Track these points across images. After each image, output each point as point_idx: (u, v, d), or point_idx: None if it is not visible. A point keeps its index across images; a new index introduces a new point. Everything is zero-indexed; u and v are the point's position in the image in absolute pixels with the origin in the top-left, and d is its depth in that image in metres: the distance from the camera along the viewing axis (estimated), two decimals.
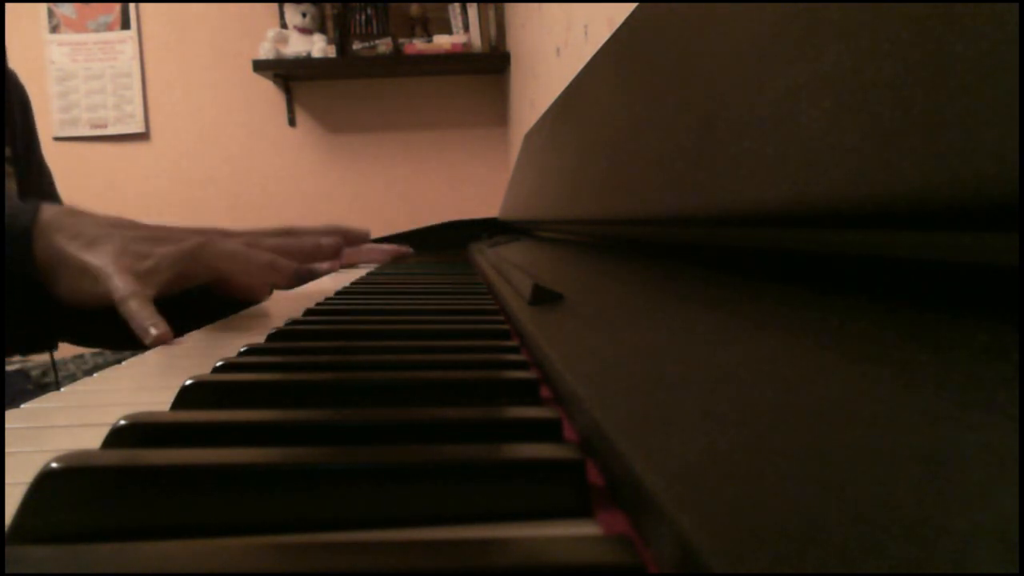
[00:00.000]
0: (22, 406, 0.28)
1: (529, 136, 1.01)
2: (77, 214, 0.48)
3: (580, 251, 0.50)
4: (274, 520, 0.16)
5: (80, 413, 0.27)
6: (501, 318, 0.43)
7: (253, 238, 0.58)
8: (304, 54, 2.27)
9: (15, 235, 0.44)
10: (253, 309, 0.59)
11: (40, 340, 0.48)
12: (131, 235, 0.49)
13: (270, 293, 0.62)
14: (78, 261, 0.45)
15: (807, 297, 0.18)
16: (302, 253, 0.60)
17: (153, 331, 0.42)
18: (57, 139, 2.34)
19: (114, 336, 0.53)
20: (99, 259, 0.46)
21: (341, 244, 0.64)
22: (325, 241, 0.62)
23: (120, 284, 0.44)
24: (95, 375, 0.34)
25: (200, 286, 0.52)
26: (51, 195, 0.79)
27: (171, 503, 0.16)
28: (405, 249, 1.06)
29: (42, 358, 1.92)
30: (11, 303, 0.44)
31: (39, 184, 0.75)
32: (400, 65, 2.33)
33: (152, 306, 0.44)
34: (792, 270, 0.21)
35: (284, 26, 2.33)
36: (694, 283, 0.26)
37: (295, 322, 0.42)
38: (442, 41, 2.29)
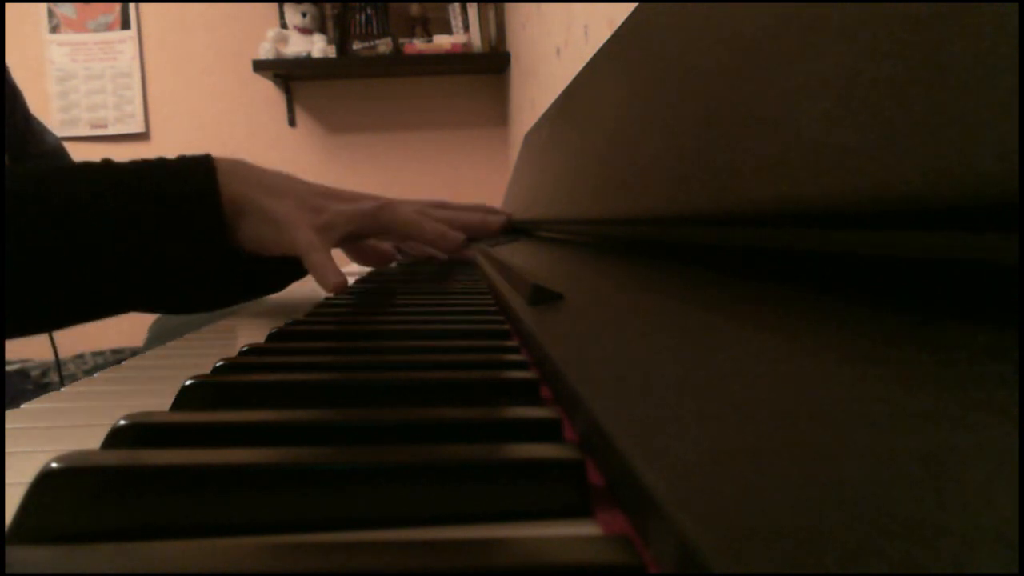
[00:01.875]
0: (22, 406, 0.28)
1: (529, 136, 1.01)
2: (249, 165, 0.50)
3: (580, 251, 0.50)
4: (274, 520, 0.16)
5: (80, 413, 0.27)
6: (501, 318, 0.43)
7: (422, 207, 0.60)
8: (304, 54, 2.27)
9: (200, 177, 0.45)
10: (254, 309, 0.59)
11: (228, 292, 0.49)
12: (308, 189, 0.51)
13: (395, 259, 0.65)
14: (262, 208, 0.47)
15: (807, 297, 0.18)
16: (469, 227, 0.62)
17: (333, 280, 0.46)
18: None
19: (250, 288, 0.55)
20: (283, 210, 0.47)
21: (505, 222, 0.66)
22: (492, 218, 0.64)
23: (304, 237, 0.47)
24: (95, 375, 0.34)
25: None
26: (62, 157, 0.79)
27: (171, 503, 0.16)
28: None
29: (42, 358, 1.92)
30: (197, 243, 0.44)
31: (39, 149, 0.75)
32: (400, 65, 2.33)
33: (331, 259, 0.47)
34: (792, 270, 0.21)
35: (284, 26, 2.33)
36: (694, 283, 0.26)
37: (295, 322, 0.42)
38: (442, 41, 2.29)
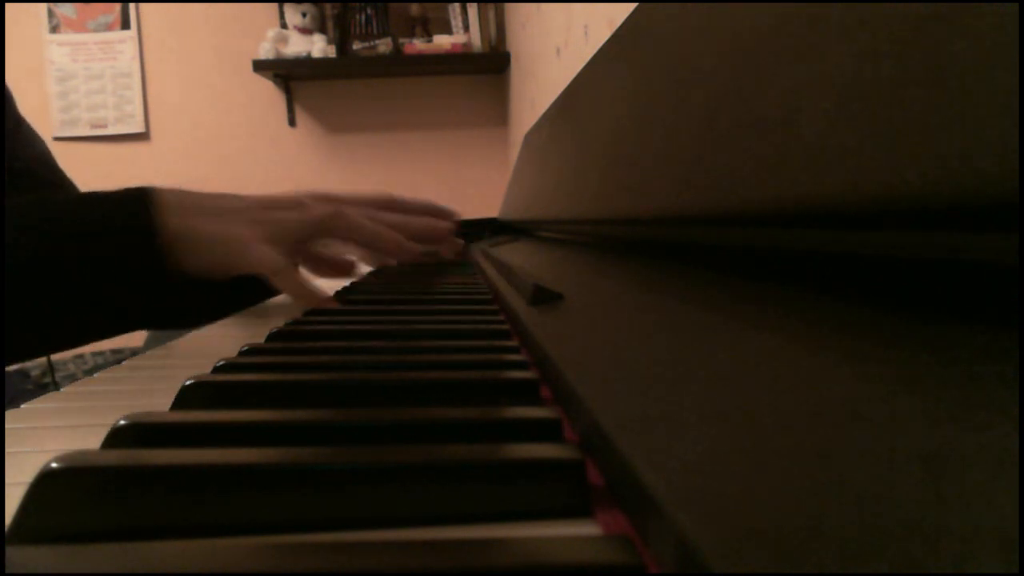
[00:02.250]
0: (22, 406, 0.28)
1: (529, 136, 1.01)
2: (186, 192, 0.49)
3: (580, 251, 0.50)
4: (274, 520, 0.16)
5: (80, 413, 0.27)
6: (501, 318, 0.43)
7: (369, 210, 0.58)
8: (304, 54, 2.27)
9: (138, 212, 0.44)
10: (254, 309, 0.59)
11: (173, 316, 0.48)
12: (249, 204, 0.50)
13: (355, 270, 0.64)
14: (208, 233, 0.46)
15: (807, 297, 0.18)
16: (418, 233, 0.60)
17: (305, 293, 0.46)
18: (57, 139, 2.34)
19: (215, 308, 0.55)
20: (231, 229, 0.47)
21: (453, 230, 0.64)
22: (441, 224, 0.62)
23: (260, 254, 0.46)
24: (95, 375, 0.34)
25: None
26: (45, 163, 0.78)
27: (171, 503, 0.16)
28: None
29: (41, 358, 1.92)
30: (139, 284, 0.44)
31: (26, 156, 0.74)
32: (400, 65, 2.33)
33: (302, 278, 0.47)
34: (792, 270, 0.21)
35: (284, 26, 2.32)
36: (694, 283, 0.26)
37: (295, 322, 0.42)
38: (442, 41, 2.29)
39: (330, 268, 0.61)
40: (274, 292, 0.60)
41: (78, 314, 0.43)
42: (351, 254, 0.63)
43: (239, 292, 0.56)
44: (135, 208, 0.45)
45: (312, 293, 0.47)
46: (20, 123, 0.75)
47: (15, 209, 0.43)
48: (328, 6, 2.31)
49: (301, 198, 0.53)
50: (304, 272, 0.61)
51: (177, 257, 0.45)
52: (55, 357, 1.98)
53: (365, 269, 0.81)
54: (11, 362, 0.43)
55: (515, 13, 2.11)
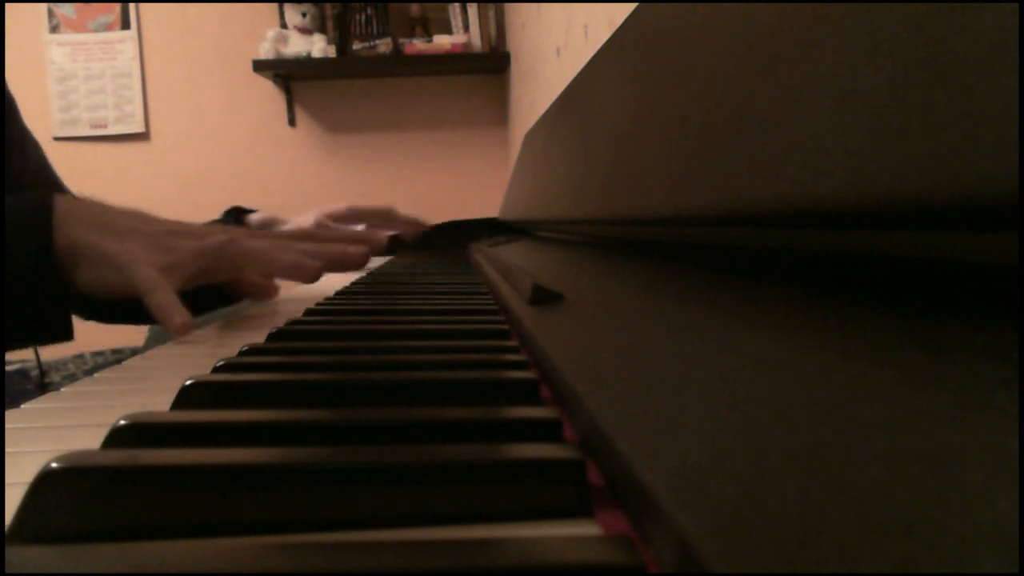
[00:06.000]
0: (22, 406, 0.28)
1: (529, 136, 1.01)
2: (94, 205, 0.48)
3: (580, 251, 0.50)
4: (274, 520, 0.16)
5: (80, 413, 0.27)
6: (501, 318, 0.43)
7: (279, 240, 0.57)
8: (304, 54, 2.27)
9: (34, 225, 0.44)
10: (254, 309, 0.59)
11: (58, 330, 0.47)
12: (153, 228, 0.49)
13: (277, 294, 0.62)
14: (101, 252, 0.45)
15: (807, 297, 0.18)
16: (329, 260, 0.58)
17: (178, 320, 0.44)
18: (57, 139, 2.34)
19: (129, 315, 0.53)
20: (123, 250, 0.45)
21: (368, 255, 0.62)
22: (353, 250, 0.60)
23: (145, 276, 0.45)
24: (95, 375, 0.34)
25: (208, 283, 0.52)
26: (42, 169, 0.78)
27: (171, 503, 0.16)
28: (419, 222, 1.04)
29: (43, 358, 1.92)
30: (28, 294, 0.43)
31: (22, 162, 0.74)
32: (400, 65, 2.33)
33: (176, 298, 0.45)
34: (792, 270, 0.21)
35: (284, 26, 2.32)
36: (694, 283, 0.26)
37: (295, 322, 0.42)
38: (442, 41, 2.29)
39: (249, 290, 0.59)
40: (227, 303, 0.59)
41: None
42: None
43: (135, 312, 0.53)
44: (33, 220, 0.44)
45: (179, 326, 0.45)
46: (24, 133, 0.75)
47: None
48: (328, 6, 2.31)
49: (208, 229, 0.52)
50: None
51: (69, 273, 0.44)
52: (52, 357, 1.98)
53: (299, 288, 0.78)
54: None
55: (515, 13, 2.11)
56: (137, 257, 0.45)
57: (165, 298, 0.45)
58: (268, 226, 0.90)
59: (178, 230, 0.50)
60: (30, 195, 0.45)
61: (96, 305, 0.51)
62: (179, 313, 0.44)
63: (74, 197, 0.47)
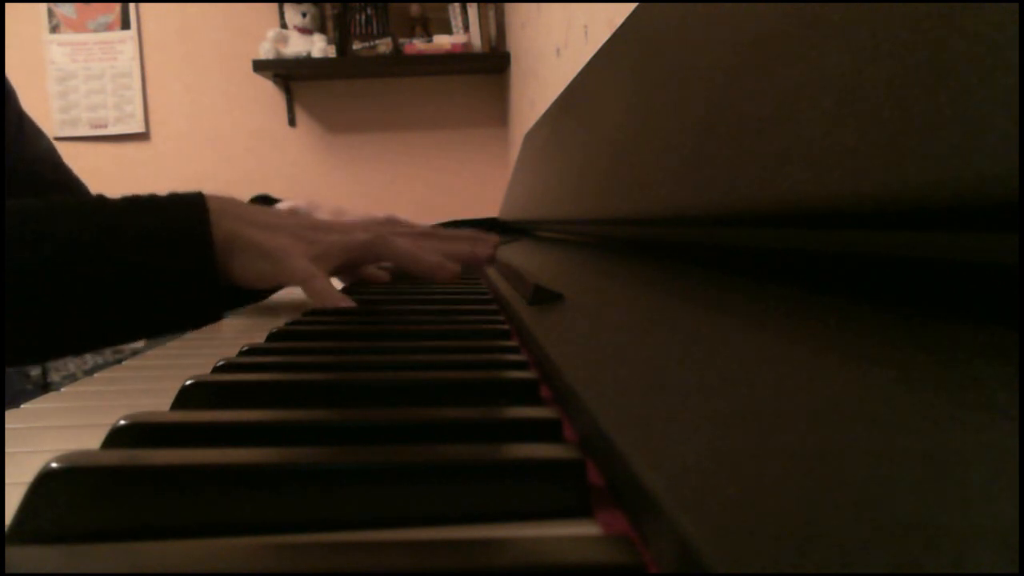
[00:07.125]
0: (22, 406, 0.28)
1: (529, 136, 1.01)
2: (237, 201, 0.52)
3: (580, 251, 0.50)
4: (274, 520, 0.16)
5: (80, 413, 0.27)
6: (501, 318, 0.43)
7: (417, 239, 0.63)
8: (304, 54, 2.27)
9: (193, 218, 0.47)
10: (254, 309, 0.59)
11: (213, 315, 0.50)
12: (298, 222, 0.53)
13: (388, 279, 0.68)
14: (256, 244, 0.48)
15: (807, 297, 0.18)
16: (461, 260, 0.64)
17: (341, 305, 0.48)
18: (57, 139, 2.32)
19: (245, 299, 0.59)
20: (276, 243, 0.49)
21: (492, 254, 0.69)
22: (480, 250, 0.68)
23: (301, 267, 0.49)
24: (95, 375, 0.34)
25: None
26: (51, 157, 0.79)
27: (171, 503, 0.16)
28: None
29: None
30: (193, 284, 0.46)
31: (32, 158, 0.75)
32: (400, 65, 2.33)
33: (332, 285, 0.50)
34: (792, 270, 0.21)
35: (284, 26, 2.32)
36: (694, 283, 0.26)
37: (295, 322, 0.42)
38: (442, 41, 2.29)
39: (370, 278, 0.66)
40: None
41: (130, 316, 0.45)
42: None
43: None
44: (191, 212, 0.47)
45: (334, 305, 0.49)
46: (23, 119, 0.75)
47: (71, 209, 0.44)
48: (328, 6, 2.31)
49: (350, 224, 0.57)
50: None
51: (225, 264, 0.47)
52: None
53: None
54: (54, 357, 0.45)
55: (515, 13, 2.11)
56: (289, 249, 0.49)
57: (324, 285, 0.49)
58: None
59: (319, 225, 0.55)
60: (181, 193, 0.49)
61: (236, 292, 0.55)
62: (340, 298, 0.48)
63: (217, 196, 0.50)
